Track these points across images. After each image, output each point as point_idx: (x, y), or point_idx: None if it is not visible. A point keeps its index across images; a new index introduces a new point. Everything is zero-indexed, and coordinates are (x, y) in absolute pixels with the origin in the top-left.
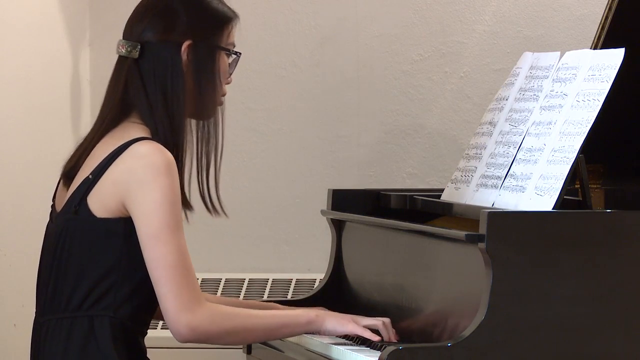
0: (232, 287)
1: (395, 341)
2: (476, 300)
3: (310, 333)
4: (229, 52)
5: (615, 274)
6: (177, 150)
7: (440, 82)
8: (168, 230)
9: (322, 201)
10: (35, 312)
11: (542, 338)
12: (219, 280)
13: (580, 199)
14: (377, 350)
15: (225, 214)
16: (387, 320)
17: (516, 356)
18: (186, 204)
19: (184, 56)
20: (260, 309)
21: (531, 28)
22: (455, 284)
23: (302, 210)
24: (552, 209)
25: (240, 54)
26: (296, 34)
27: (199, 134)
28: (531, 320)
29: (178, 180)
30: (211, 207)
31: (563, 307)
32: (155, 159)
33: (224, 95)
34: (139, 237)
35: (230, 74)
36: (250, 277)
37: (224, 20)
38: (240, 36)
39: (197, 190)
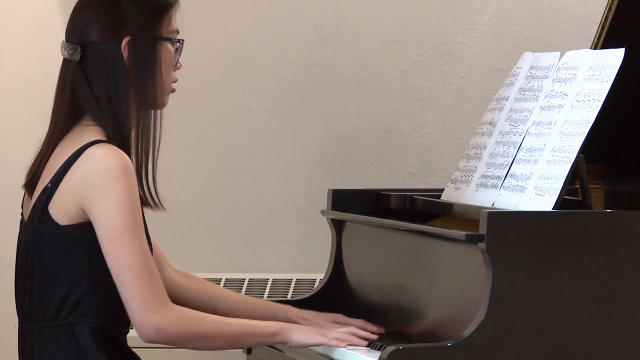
0: (232, 287)
1: (378, 334)
2: (476, 300)
3: (277, 344)
4: (171, 41)
5: (615, 274)
6: (125, 149)
7: (440, 82)
8: (128, 233)
9: (322, 201)
10: (18, 322)
11: (542, 338)
12: (219, 280)
13: (580, 199)
14: (377, 350)
15: (163, 207)
16: (354, 327)
17: (516, 356)
18: (145, 203)
19: (125, 53)
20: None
21: (531, 28)
22: (455, 284)
23: (302, 210)
24: (552, 209)
25: (182, 41)
26: (296, 34)
27: (139, 129)
28: (531, 320)
29: (136, 182)
30: (151, 201)
31: (563, 307)
32: (110, 162)
33: (174, 81)
34: (100, 242)
35: (177, 61)
36: (250, 277)
37: (163, 9)
38: (240, 36)
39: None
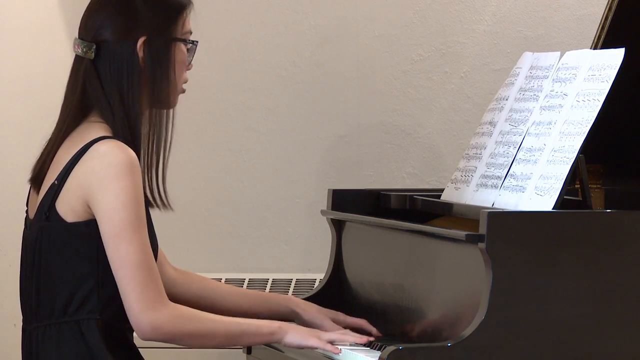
0: None
1: (374, 336)
2: (476, 300)
3: (273, 343)
4: (186, 43)
5: (615, 274)
6: (134, 147)
7: (440, 82)
8: (131, 229)
9: (322, 201)
10: (22, 320)
11: (542, 338)
12: (219, 280)
13: (580, 199)
14: (377, 350)
15: (171, 207)
16: (348, 330)
17: (516, 356)
18: (152, 203)
19: (140, 53)
20: (238, 295)
21: (531, 28)
22: (455, 284)
23: (302, 210)
24: (552, 209)
25: (197, 42)
26: (296, 34)
27: (150, 129)
28: (531, 320)
29: (140, 178)
30: (160, 202)
31: (563, 307)
32: (115, 157)
33: (185, 82)
34: (102, 236)
35: (190, 62)
36: (250, 277)
37: (177, 10)
38: (240, 36)
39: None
